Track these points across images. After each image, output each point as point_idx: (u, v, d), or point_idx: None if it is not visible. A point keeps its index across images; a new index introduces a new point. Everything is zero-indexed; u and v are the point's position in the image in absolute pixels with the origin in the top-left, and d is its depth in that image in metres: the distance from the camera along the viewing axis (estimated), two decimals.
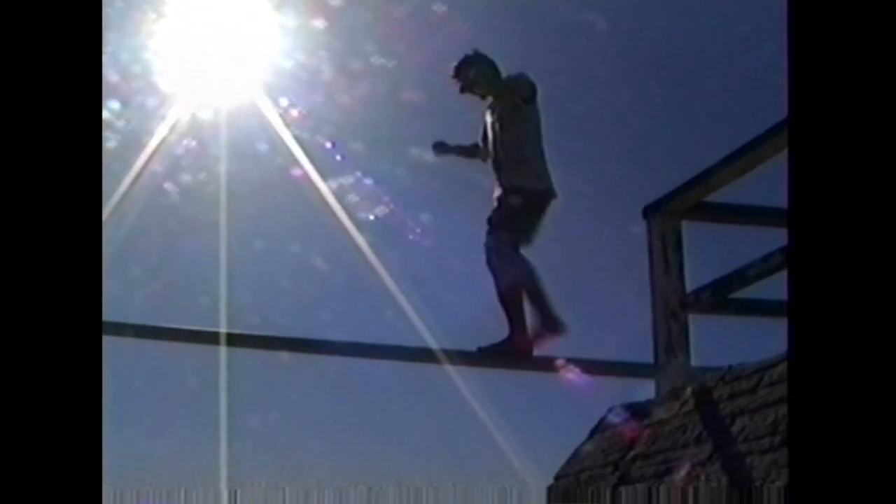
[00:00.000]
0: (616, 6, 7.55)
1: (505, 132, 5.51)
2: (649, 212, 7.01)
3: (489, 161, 5.72)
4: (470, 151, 5.82)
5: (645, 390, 6.92)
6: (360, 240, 5.00)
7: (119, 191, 4.77)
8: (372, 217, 4.96)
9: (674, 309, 6.89)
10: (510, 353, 5.63)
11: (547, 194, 5.54)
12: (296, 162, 4.82)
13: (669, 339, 6.85)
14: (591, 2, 7.31)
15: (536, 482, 5.94)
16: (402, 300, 5.06)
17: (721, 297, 6.79)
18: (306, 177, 4.92)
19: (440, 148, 5.56)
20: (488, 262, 5.64)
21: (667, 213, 6.99)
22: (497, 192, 5.61)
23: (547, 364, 5.83)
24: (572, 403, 6.93)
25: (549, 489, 6.42)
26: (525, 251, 5.94)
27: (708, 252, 7.46)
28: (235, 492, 5.90)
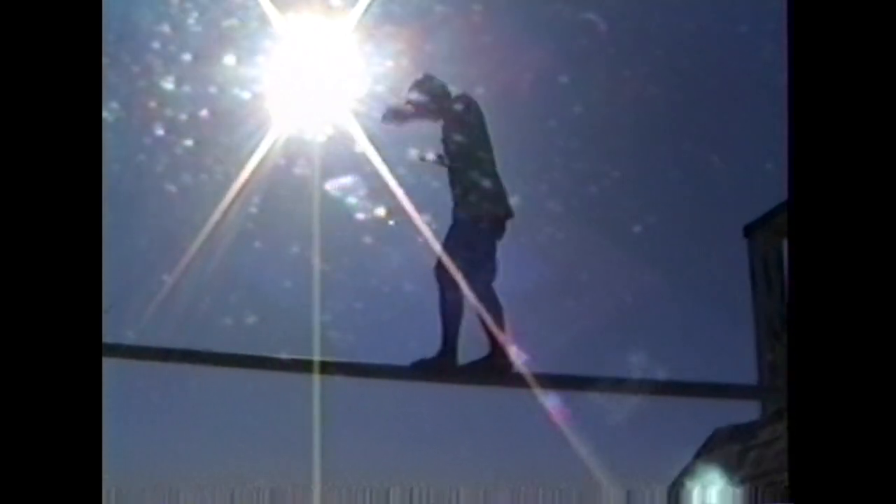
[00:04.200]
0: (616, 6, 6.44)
1: (459, 153, 4.91)
2: (751, 231, 6.74)
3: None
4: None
5: (750, 412, 6.75)
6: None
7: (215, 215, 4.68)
8: (392, 223, 4.89)
9: (776, 329, 6.66)
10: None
11: (504, 217, 4.85)
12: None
13: (773, 359, 6.73)
14: (591, 2, 6.38)
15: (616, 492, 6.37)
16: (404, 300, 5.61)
17: None
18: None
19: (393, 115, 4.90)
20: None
21: (768, 232, 6.66)
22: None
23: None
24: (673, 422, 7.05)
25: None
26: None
27: None
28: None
